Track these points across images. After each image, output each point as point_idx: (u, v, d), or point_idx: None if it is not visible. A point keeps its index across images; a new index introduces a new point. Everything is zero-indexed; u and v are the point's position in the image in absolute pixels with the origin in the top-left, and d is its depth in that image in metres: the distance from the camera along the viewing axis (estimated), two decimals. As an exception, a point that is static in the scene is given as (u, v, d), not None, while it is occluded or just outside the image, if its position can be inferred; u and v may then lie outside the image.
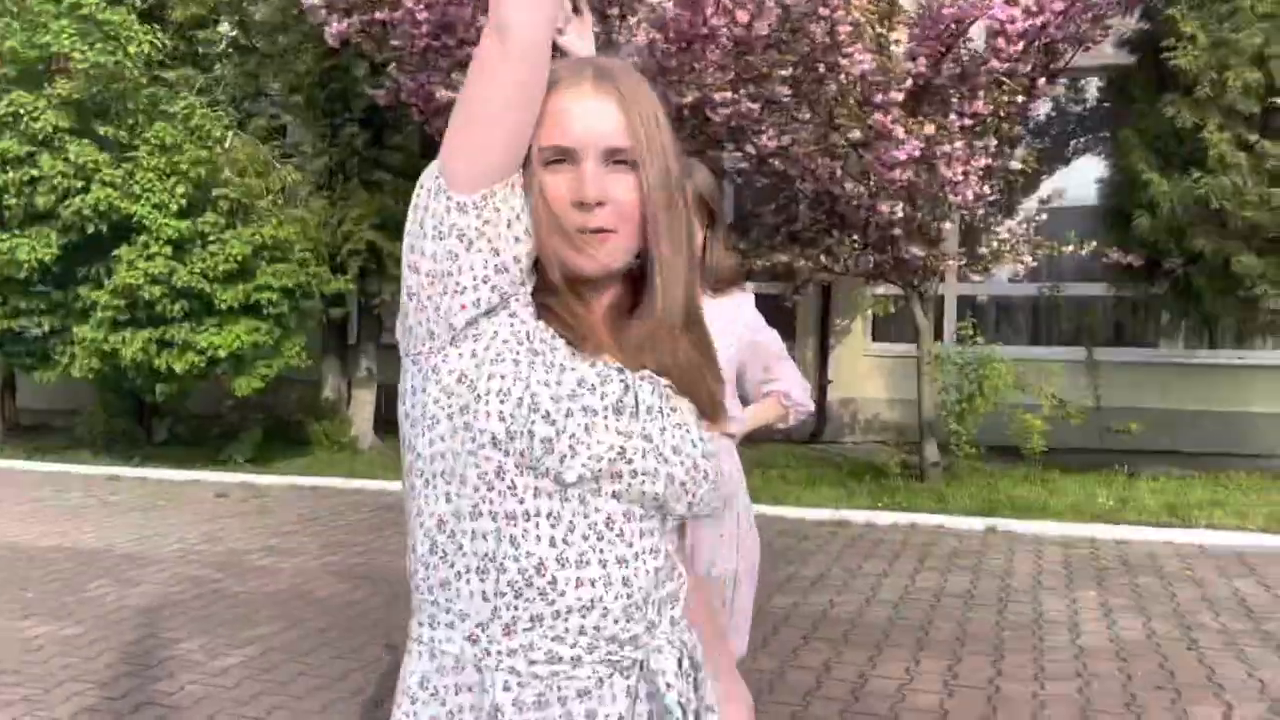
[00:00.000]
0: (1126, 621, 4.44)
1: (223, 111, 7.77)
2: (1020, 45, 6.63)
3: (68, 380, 8.33)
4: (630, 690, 1.09)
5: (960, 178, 6.79)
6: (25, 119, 7.06)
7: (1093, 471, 7.57)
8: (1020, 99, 6.71)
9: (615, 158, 1.08)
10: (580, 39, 1.41)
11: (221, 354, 7.28)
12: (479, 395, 1.04)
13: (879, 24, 6.57)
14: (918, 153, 6.59)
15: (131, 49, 6.99)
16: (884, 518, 6.46)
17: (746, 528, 2.37)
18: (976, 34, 6.97)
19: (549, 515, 1.05)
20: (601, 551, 1.06)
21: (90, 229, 7.15)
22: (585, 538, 1.06)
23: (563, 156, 1.07)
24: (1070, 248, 7.57)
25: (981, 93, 6.83)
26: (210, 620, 4.44)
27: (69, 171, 7.05)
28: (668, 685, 1.09)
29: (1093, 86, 9.66)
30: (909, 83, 6.55)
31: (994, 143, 6.89)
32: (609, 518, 1.07)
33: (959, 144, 6.64)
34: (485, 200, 1.03)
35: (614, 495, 1.06)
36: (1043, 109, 9.55)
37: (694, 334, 1.15)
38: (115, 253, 7.23)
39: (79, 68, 6.88)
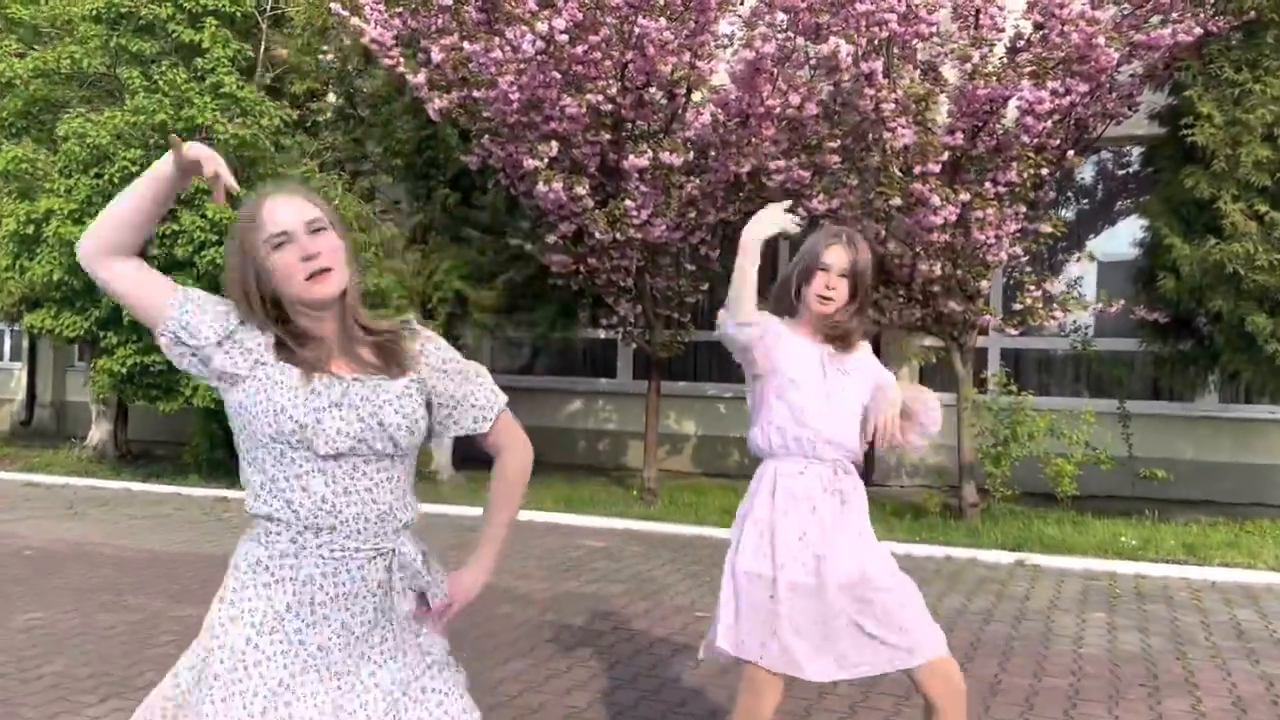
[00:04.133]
0: (1126, 637, 5.01)
1: (334, 174, 8.78)
2: (1049, 123, 7.31)
3: (181, 413, 9.34)
4: (388, 565, 1.72)
5: (993, 240, 7.47)
6: (169, 181, 8.09)
7: (1122, 516, 8.07)
8: (1044, 171, 7.37)
9: (313, 226, 1.69)
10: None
11: (328, 388, 8.19)
12: (253, 416, 1.65)
13: (919, 103, 7.30)
14: (954, 217, 7.29)
15: (264, 122, 8.03)
16: (920, 550, 6.96)
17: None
18: (1012, 109, 7.67)
19: (320, 471, 1.64)
20: (357, 486, 1.67)
21: (221, 277, 8.12)
22: (346, 479, 1.66)
23: (283, 238, 1.67)
24: (1099, 306, 8.14)
25: (1015, 163, 7.52)
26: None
27: (205, 226, 8.08)
28: (414, 557, 1.75)
29: (1134, 154, 10.25)
30: (945, 155, 7.26)
31: (1023, 209, 7.55)
32: (354, 465, 1.66)
33: (990, 210, 7.32)
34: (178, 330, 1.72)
35: (352, 452, 1.65)
36: (1088, 173, 10.17)
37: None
38: (240, 298, 8.20)
39: (220, 138, 7.94)
